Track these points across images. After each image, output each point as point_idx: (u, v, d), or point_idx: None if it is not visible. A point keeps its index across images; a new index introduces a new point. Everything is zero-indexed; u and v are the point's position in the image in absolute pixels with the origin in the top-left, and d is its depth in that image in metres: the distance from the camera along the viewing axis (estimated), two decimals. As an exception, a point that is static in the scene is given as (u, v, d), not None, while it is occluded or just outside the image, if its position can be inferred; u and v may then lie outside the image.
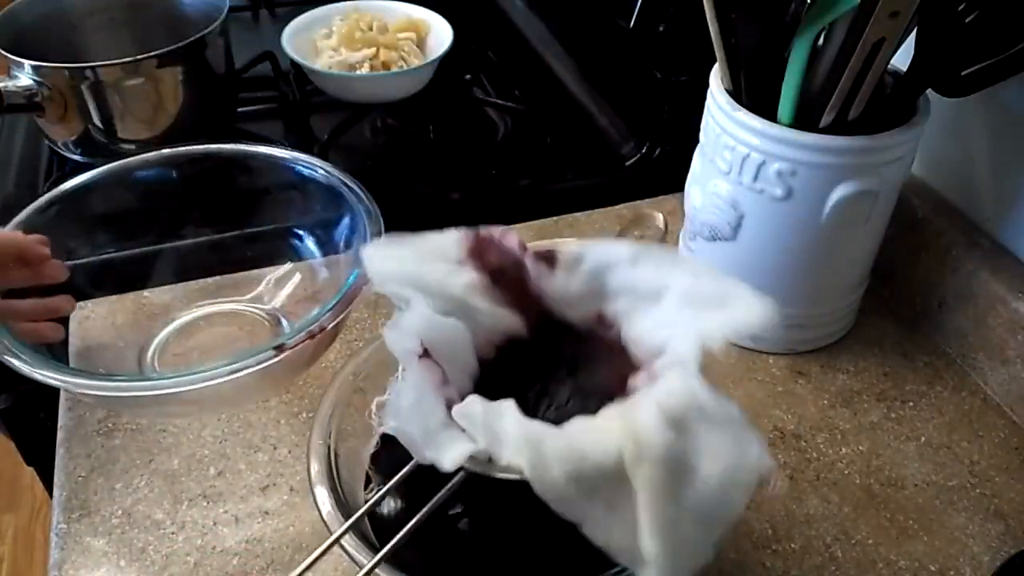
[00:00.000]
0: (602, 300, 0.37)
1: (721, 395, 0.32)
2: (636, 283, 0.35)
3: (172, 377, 0.42)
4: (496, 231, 0.36)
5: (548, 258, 0.36)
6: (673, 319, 0.34)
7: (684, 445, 0.30)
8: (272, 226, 0.58)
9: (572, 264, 0.36)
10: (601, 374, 0.36)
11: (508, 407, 0.31)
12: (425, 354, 0.33)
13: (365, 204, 0.51)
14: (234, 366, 0.42)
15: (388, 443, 0.45)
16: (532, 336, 0.37)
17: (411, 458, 0.32)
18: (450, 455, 0.30)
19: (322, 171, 0.54)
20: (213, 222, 0.59)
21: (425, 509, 0.33)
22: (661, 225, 0.47)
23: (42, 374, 0.41)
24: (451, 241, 0.36)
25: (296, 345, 0.43)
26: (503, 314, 0.36)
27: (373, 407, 0.32)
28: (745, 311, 0.33)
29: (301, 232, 0.56)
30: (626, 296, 0.36)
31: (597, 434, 0.30)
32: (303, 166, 0.55)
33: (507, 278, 0.36)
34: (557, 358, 0.37)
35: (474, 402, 0.32)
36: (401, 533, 0.32)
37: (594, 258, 0.36)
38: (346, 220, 0.52)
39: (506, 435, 0.30)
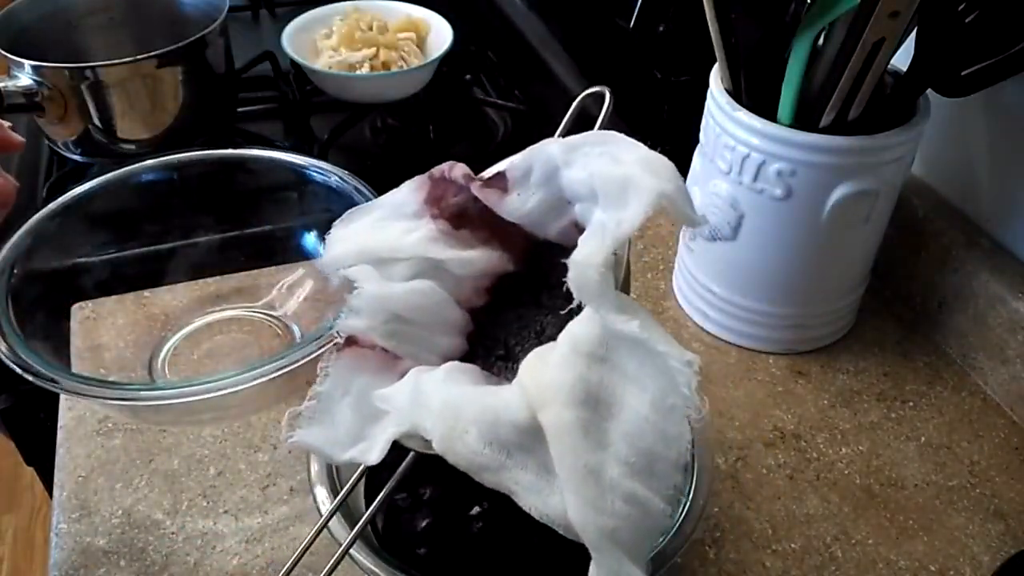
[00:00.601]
0: (568, 206, 0.33)
1: (635, 308, 0.27)
2: (575, 187, 0.32)
3: (192, 384, 0.42)
4: (445, 167, 0.33)
5: (499, 182, 0.33)
6: (592, 229, 0.30)
7: (602, 378, 0.26)
8: (284, 226, 0.58)
9: (522, 180, 0.33)
10: None
11: (435, 377, 0.29)
12: (351, 343, 0.31)
13: None
14: (253, 372, 0.42)
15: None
16: (523, 267, 0.34)
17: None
18: (373, 450, 0.29)
19: (336, 177, 0.54)
20: (223, 226, 0.59)
21: (385, 490, 0.31)
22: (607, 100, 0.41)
23: (64, 386, 0.41)
24: (404, 194, 0.33)
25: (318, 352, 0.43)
26: (476, 256, 0.33)
27: (284, 420, 0.30)
28: (641, 195, 0.29)
29: (312, 237, 0.56)
30: (577, 201, 0.32)
31: (511, 389, 0.27)
32: (315, 171, 0.55)
33: (471, 216, 0.33)
34: (552, 282, 0.33)
35: (403, 383, 0.29)
36: (367, 514, 0.31)
37: (538, 166, 0.32)
38: None
39: (429, 408, 0.28)
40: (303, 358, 0.43)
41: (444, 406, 0.27)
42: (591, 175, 0.30)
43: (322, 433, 0.30)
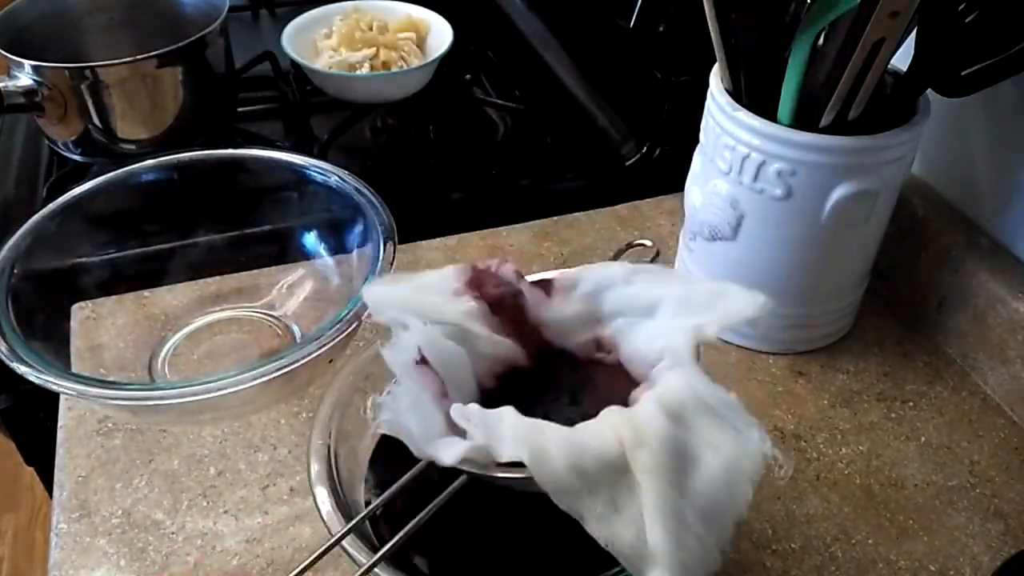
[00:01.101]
0: (599, 324, 0.37)
1: (719, 386, 0.32)
2: (631, 301, 0.36)
3: (192, 384, 0.42)
4: (493, 262, 0.37)
5: (544, 285, 0.37)
6: (668, 327, 0.34)
7: (685, 436, 0.30)
8: (283, 226, 0.58)
9: (568, 289, 0.37)
10: (603, 398, 0.36)
11: (507, 410, 0.32)
12: (423, 362, 0.33)
13: (380, 212, 0.51)
14: (253, 372, 0.42)
15: (386, 446, 0.45)
16: (534, 366, 0.38)
17: (410, 461, 0.32)
18: (450, 451, 0.31)
19: (336, 177, 0.54)
20: (223, 226, 0.59)
21: (426, 511, 0.33)
22: (652, 248, 0.49)
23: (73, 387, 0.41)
24: (448, 275, 0.36)
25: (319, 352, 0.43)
26: (502, 342, 0.36)
27: (369, 404, 0.32)
28: (736, 303, 0.33)
29: (313, 237, 0.56)
30: (622, 315, 0.37)
31: (598, 427, 0.31)
32: (315, 171, 0.55)
33: (505, 308, 0.37)
34: (558, 387, 0.37)
35: (472, 404, 0.32)
36: (401, 534, 0.32)
37: (590, 281, 0.37)
38: (359, 228, 0.53)
39: (506, 431, 0.31)
40: (303, 358, 0.43)
41: (529, 431, 0.30)
42: (666, 291, 0.35)
43: (418, 422, 0.31)
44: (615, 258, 0.43)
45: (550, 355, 0.38)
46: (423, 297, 0.35)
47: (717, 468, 0.30)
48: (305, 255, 0.57)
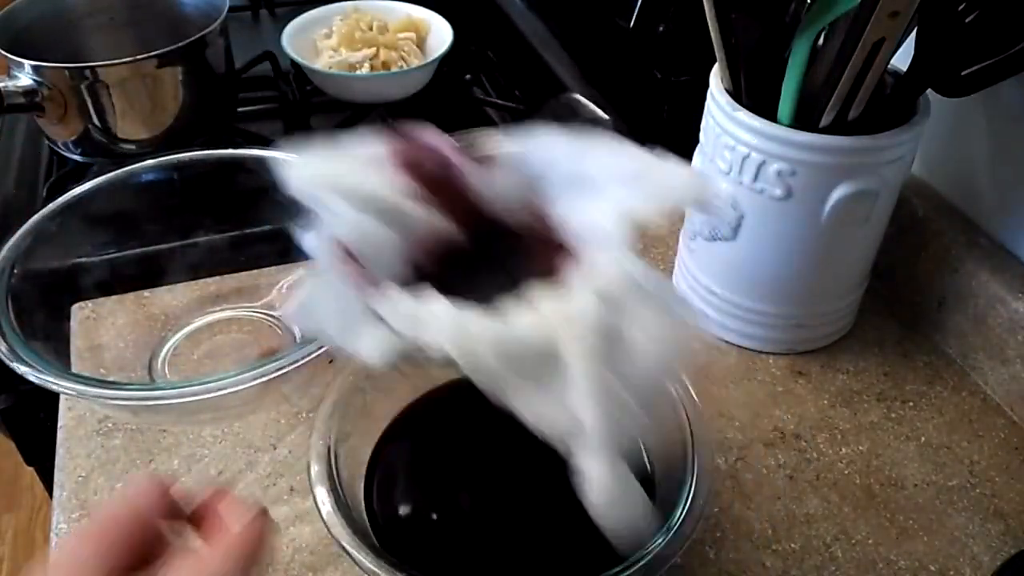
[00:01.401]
0: (537, 196, 0.36)
1: (649, 266, 0.32)
2: (572, 177, 0.35)
3: (192, 384, 0.41)
4: (424, 134, 0.35)
5: (484, 160, 0.35)
6: (605, 204, 0.33)
7: (618, 320, 0.30)
8: (284, 226, 0.58)
9: (511, 167, 0.35)
10: (539, 273, 0.34)
11: (434, 297, 0.30)
12: (346, 250, 0.31)
13: None
14: (253, 372, 0.42)
15: (388, 442, 0.45)
16: (471, 243, 0.36)
17: (410, 460, 0.32)
18: (374, 347, 0.29)
19: None
20: (223, 226, 0.59)
21: None
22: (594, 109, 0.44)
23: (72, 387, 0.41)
24: (377, 150, 0.34)
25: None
26: (436, 219, 0.34)
27: (278, 310, 0.31)
28: (675, 181, 0.33)
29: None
30: (562, 188, 0.35)
31: (531, 320, 0.30)
32: None
33: (438, 184, 0.34)
34: (496, 264, 0.35)
35: (396, 293, 0.30)
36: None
37: (534, 162, 0.35)
38: None
39: (432, 320, 0.29)
40: (303, 358, 0.43)
41: (457, 324, 0.29)
42: (603, 163, 0.34)
43: (337, 320, 0.30)
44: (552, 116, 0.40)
45: (488, 231, 0.36)
46: (349, 176, 0.33)
47: (648, 346, 0.30)
48: (305, 255, 0.57)
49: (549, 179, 0.35)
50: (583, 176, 0.34)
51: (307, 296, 0.31)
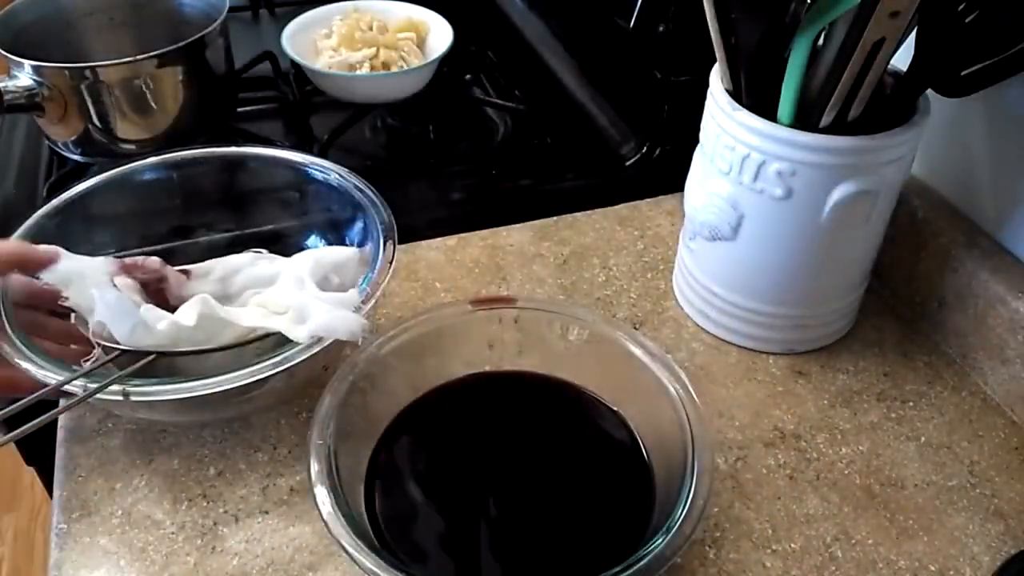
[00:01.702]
0: (230, 300, 0.50)
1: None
2: (256, 277, 0.51)
3: (190, 380, 0.42)
4: (140, 259, 0.49)
5: (186, 272, 0.50)
6: (286, 287, 0.48)
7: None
8: (284, 225, 0.58)
9: (204, 274, 0.51)
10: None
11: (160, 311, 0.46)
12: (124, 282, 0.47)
13: (380, 210, 0.51)
14: (252, 369, 0.42)
15: (387, 447, 0.45)
16: (171, 301, 0.50)
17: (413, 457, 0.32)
18: (130, 331, 0.44)
19: (336, 175, 0.54)
20: (224, 225, 0.58)
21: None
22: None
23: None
24: (106, 262, 0.47)
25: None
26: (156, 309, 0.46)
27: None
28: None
29: (313, 237, 0.56)
30: (250, 288, 0.50)
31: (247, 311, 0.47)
32: (316, 169, 0.54)
33: (152, 289, 0.49)
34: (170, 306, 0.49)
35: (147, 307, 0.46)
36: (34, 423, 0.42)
37: (221, 267, 0.51)
38: (359, 226, 0.52)
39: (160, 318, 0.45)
40: (303, 357, 0.43)
41: (170, 319, 0.46)
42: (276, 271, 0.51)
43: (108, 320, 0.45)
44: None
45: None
46: (93, 276, 0.46)
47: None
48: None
49: (238, 283, 0.51)
50: (269, 275, 0.50)
51: (101, 308, 0.44)
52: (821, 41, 0.46)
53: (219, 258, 0.52)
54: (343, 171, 0.54)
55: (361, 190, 0.53)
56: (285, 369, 0.42)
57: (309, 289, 0.47)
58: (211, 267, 0.51)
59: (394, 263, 0.48)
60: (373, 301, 0.46)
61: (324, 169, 0.54)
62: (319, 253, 0.51)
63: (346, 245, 0.54)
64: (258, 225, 0.58)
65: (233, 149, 0.57)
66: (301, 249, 0.55)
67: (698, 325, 0.57)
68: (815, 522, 0.46)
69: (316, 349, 0.43)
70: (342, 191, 0.53)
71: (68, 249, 0.47)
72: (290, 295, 0.46)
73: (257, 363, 0.42)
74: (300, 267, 0.49)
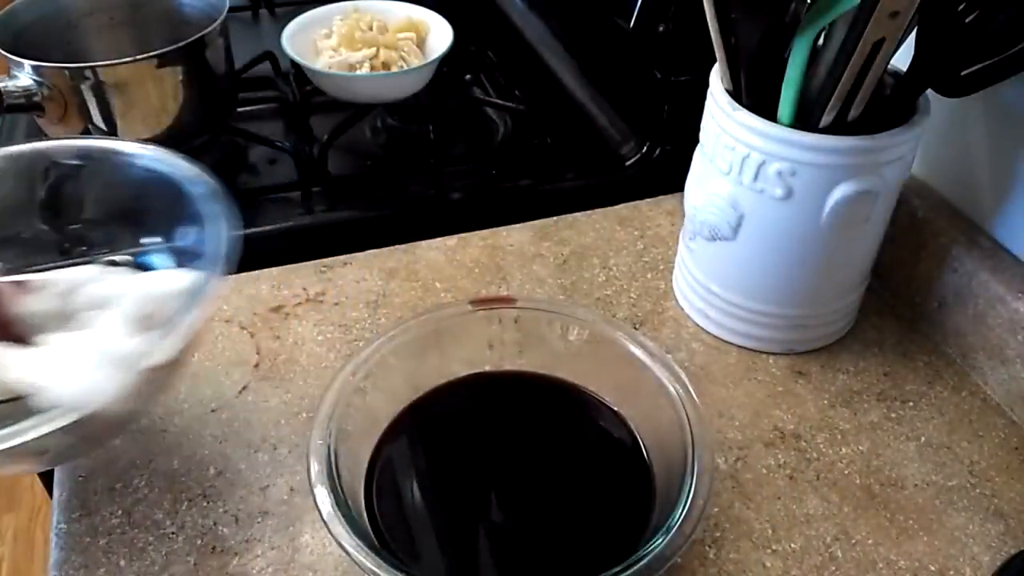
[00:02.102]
0: (70, 320, 0.43)
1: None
2: (95, 296, 0.43)
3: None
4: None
5: (21, 284, 0.43)
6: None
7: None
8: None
9: (41, 287, 0.43)
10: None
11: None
12: None
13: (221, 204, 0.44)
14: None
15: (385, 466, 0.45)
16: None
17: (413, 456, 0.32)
18: None
19: (166, 164, 0.46)
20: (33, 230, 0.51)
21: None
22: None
23: None
24: None
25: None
26: None
27: None
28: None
29: (147, 245, 0.49)
30: (93, 308, 0.43)
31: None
32: (150, 161, 0.47)
33: None
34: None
35: None
36: None
37: (63, 280, 0.44)
38: (194, 227, 0.44)
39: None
40: (23, 439, 0.37)
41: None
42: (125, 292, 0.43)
43: None
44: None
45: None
46: None
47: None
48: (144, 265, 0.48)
49: (81, 300, 0.43)
50: (111, 295, 0.43)
51: None
52: (821, 41, 0.46)
53: (64, 268, 0.44)
54: (178, 159, 0.46)
55: (199, 182, 0.45)
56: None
57: (109, 325, 0.40)
58: (54, 280, 0.43)
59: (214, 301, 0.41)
60: (161, 357, 0.38)
61: (154, 159, 0.47)
62: (150, 283, 0.43)
63: (173, 252, 0.47)
64: (258, 226, 0.58)
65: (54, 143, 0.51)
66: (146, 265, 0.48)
67: (698, 325, 0.57)
68: (815, 522, 0.46)
69: (44, 430, 0.34)
70: (175, 184, 0.45)
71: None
72: (73, 339, 0.40)
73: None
74: (128, 297, 0.42)
